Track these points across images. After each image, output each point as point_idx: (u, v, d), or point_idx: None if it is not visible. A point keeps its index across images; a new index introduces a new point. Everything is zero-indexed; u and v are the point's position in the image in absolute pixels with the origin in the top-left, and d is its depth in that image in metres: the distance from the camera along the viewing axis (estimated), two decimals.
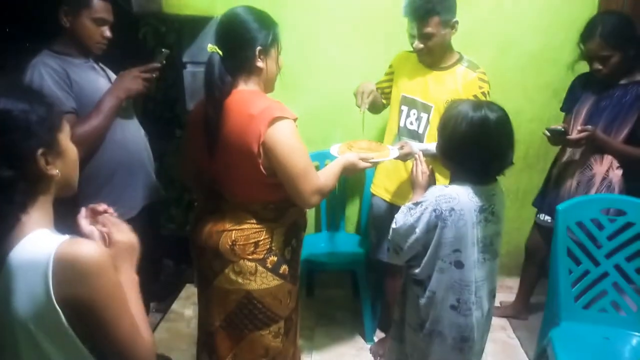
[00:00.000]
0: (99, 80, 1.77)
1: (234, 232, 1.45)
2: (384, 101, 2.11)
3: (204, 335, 1.60)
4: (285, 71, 2.60)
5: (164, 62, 1.83)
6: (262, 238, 1.46)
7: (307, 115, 2.58)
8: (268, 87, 1.51)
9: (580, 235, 1.83)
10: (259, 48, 1.40)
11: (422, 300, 1.45)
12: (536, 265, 2.37)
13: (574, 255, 1.83)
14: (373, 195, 2.18)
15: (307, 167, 1.39)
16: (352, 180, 2.64)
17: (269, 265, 1.47)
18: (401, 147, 1.80)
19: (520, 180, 2.65)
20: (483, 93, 1.86)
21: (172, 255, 3.05)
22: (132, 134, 1.86)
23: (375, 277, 2.37)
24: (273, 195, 1.46)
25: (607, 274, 1.82)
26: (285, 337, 1.57)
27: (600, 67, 1.91)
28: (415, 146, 1.84)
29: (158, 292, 2.80)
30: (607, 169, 1.96)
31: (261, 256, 1.46)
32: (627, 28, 1.89)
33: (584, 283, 1.84)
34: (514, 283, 2.77)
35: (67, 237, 0.87)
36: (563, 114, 2.26)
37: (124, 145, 1.79)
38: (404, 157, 1.83)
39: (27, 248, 0.85)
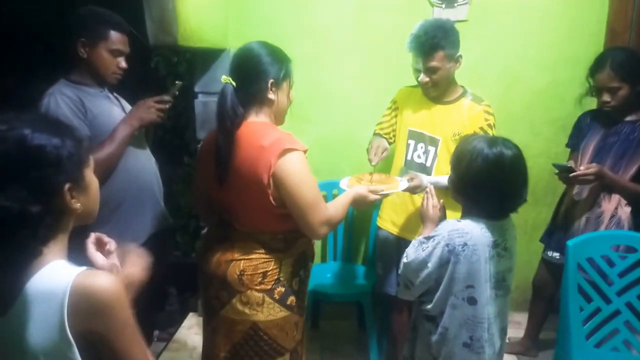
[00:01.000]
0: (113, 109, 1.81)
1: (242, 261, 1.45)
2: (390, 140, 2.12)
3: None
4: (295, 103, 2.65)
5: (177, 93, 1.87)
6: (270, 268, 1.45)
7: (315, 146, 2.60)
8: (279, 119, 1.53)
9: (591, 272, 1.81)
10: (271, 81, 1.43)
11: (434, 337, 1.43)
12: (544, 301, 2.34)
13: (585, 292, 1.81)
14: (379, 228, 2.17)
15: (316, 198, 1.40)
16: (360, 211, 2.64)
17: (276, 296, 1.46)
18: (410, 179, 1.80)
19: (528, 215, 2.64)
20: (489, 125, 1.88)
21: (177, 283, 3.02)
22: (143, 163, 1.88)
23: (382, 310, 2.34)
24: (282, 226, 1.46)
25: (618, 311, 1.79)
26: None
27: (609, 99, 1.93)
28: (425, 179, 1.84)
29: (161, 321, 2.77)
30: (615, 206, 1.95)
31: (269, 287, 1.45)
32: (637, 62, 1.93)
33: (595, 321, 1.81)
34: (522, 318, 2.72)
35: (83, 268, 0.88)
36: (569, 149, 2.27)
37: (135, 174, 1.81)
38: (412, 190, 1.83)
39: (45, 279, 0.85)
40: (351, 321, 2.73)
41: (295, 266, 1.51)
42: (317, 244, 2.76)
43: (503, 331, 1.49)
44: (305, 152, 1.42)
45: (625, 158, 1.94)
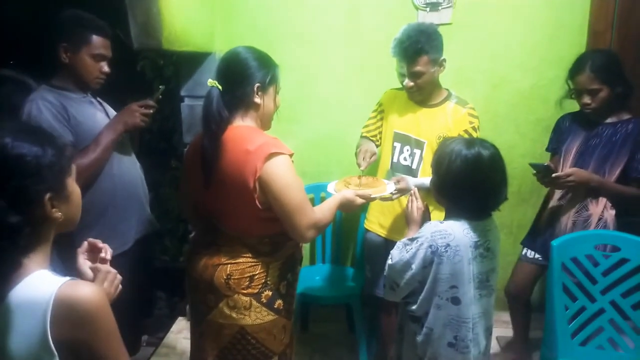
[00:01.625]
0: (96, 115, 1.79)
1: (229, 266, 1.45)
2: (377, 143, 2.13)
3: None
4: (283, 105, 2.65)
5: (160, 97, 1.86)
6: (257, 272, 1.45)
7: (304, 148, 2.61)
8: (265, 123, 1.53)
9: (576, 271, 1.83)
10: (257, 85, 1.44)
11: (419, 337, 1.44)
12: (524, 305, 2.27)
13: (570, 292, 1.83)
14: (367, 230, 2.18)
15: (302, 201, 1.40)
16: (348, 213, 2.63)
17: (263, 300, 1.46)
18: (397, 182, 1.81)
19: (514, 215, 2.67)
20: (473, 128, 1.90)
21: (165, 288, 3.00)
22: (128, 168, 1.87)
23: (370, 312, 2.35)
24: (269, 230, 1.46)
25: (603, 310, 1.81)
26: None
27: (589, 101, 1.93)
28: (411, 181, 1.85)
29: (150, 325, 2.75)
30: (602, 209, 1.96)
31: (256, 290, 1.45)
32: (616, 64, 1.94)
33: (580, 319, 1.83)
34: (509, 318, 2.75)
35: (66, 279, 0.87)
36: None
37: (119, 179, 1.80)
38: (401, 192, 1.83)
39: (27, 289, 0.85)
40: (341, 323, 2.73)
41: (282, 270, 1.51)
42: (306, 247, 2.76)
43: (488, 331, 1.50)
44: (291, 156, 1.42)
45: (609, 161, 1.94)
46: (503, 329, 2.74)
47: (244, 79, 1.43)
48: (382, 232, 2.10)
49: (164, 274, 2.90)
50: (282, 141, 1.43)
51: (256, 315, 1.45)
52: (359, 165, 1.91)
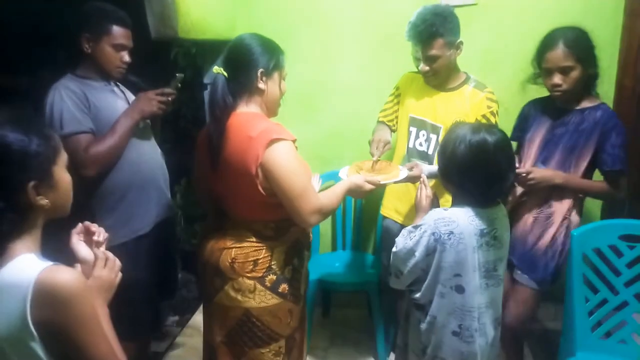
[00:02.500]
0: (117, 102, 1.86)
1: (233, 249, 1.48)
2: (394, 128, 2.10)
3: (208, 349, 1.63)
4: (302, 92, 2.66)
5: (179, 85, 1.90)
6: (261, 256, 1.48)
7: (323, 135, 2.61)
8: (270, 110, 1.54)
9: (598, 262, 1.75)
10: (260, 70, 1.45)
11: (423, 325, 1.43)
12: (510, 338, 1.89)
13: (591, 283, 1.75)
14: (384, 217, 2.17)
15: (305, 187, 1.41)
16: (369, 200, 2.63)
17: (267, 284, 1.48)
18: (411, 169, 1.79)
19: None
20: (492, 112, 1.84)
21: (194, 270, 3.10)
22: (147, 154, 1.93)
23: (388, 298, 2.34)
24: (273, 215, 1.48)
25: (626, 303, 1.73)
26: (287, 357, 1.57)
27: (560, 82, 1.74)
28: (425, 168, 1.82)
29: (178, 306, 2.86)
30: (567, 209, 1.80)
31: (260, 274, 1.47)
32: (589, 42, 1.77)
33: (602, 312, 1.76)
34: None
35: (50, 263, 0.90)
36: None
37: (138, 165, 1.86)
38: (413, 180, 1.80)
39: (10, 272, 0.89)
40: (362, 309, 2.74)
41: (288, 254, 1.53)
42: (327, 233, 2.77)
43: (497, 321, 1.47)
44: (294, 141, 1.43)
45: (575, 152, 1.78)
46: None
47: (248, 65, 1.45)
48: (399, 219, 2.08)
49: (194, 257, 2.99)
50: (284, 127, 1.43)
51: (260, 299, 1.48)
52: (372, 155, 1.90)
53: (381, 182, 1.64)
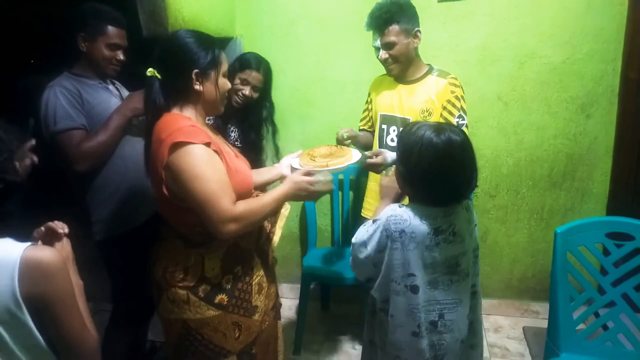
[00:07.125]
0: (110, 100, 1.93)
1: (165, 258, 1.42)
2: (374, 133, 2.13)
3: None
4: (301, 89, 2.68)
5: None
6: (191, 264, 1.39)
7: (321, 131, 2.63)
8: (209, 110, 1.46)
9: (584, 260, 1.70)
10: (195, 71, 1.36)
11: (385, 324, 1.40)
12: None
13: (576, 282, 1.71)
14: (364, 218, 2.13)
15: (213, 194, 1.28)
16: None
17: (201, 294, 1.38)
18: (375, 156, 1.80)
19: (545, 200, 2.50)
20: (456, 97, 1.86)
21: None
22: (140, 149, 1.99)
23: None
24: (195, 218, 1.33)
25: (613, 303, 1.68)
26: None
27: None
28: (389, 155, 1.82)
29: None
30: None
31: (192, 284, 1.38)
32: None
33: (588, 312, 1.71)
34: (539, 307, 2.63)
35: (29, 243, 1.02)
36: (590, 129, 2.10)
37: (131, 161, 1.92)
38: (375, 168, 1.82)
39: None
40: (362, 305, 2.74)
41: (225, 262, 1.41)
42: (325, 229, 2.80)
43: (469, 318, 1.43)
44: (208, 145, 1.30)
45: None
46: (532, 318, 2.62)
47: (181, 65, 1.36)
48: None
49: None
50: (199, 130, 1.33)
51: (196, 310, 1.38)
52: (338, 139, 1.92)
53: (330, 167, 1.54)
